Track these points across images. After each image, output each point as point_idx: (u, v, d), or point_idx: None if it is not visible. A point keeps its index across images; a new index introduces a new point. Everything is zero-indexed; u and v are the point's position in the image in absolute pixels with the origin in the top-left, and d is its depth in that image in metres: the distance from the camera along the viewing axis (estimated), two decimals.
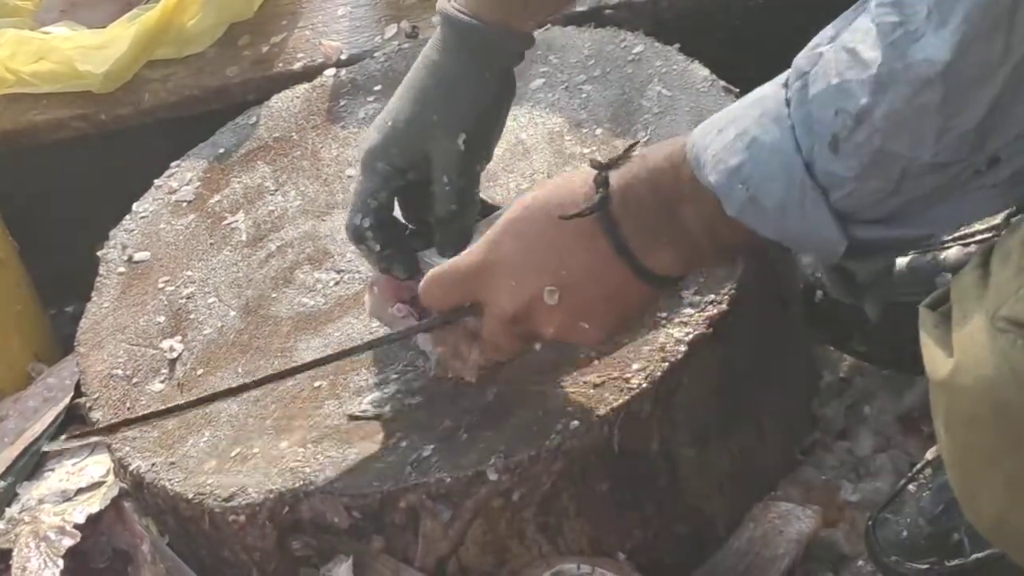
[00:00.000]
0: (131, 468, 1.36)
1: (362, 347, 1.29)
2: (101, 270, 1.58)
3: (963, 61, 0.86)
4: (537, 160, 1.50)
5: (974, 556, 1.29)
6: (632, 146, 1.07)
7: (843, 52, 0.91)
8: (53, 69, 1.89)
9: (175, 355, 1.45)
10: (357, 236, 1.31)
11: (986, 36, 0.85)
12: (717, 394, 1.35)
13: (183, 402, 1.34)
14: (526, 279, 1.11)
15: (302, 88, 1.73)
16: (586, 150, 1.49)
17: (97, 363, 1.47)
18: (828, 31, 0.94)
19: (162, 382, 1.43)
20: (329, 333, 1.41)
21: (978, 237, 1.44)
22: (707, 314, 1.31)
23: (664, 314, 1.31)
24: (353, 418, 1.32)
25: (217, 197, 1.63)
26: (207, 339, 1.46)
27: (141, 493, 1.37)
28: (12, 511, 1.57)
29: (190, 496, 1.31)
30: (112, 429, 1.37)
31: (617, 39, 1.61)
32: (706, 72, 1.52)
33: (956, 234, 1.47)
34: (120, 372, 1.45)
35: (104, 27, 1.92)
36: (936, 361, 0.98)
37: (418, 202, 1.31)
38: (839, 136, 0.91)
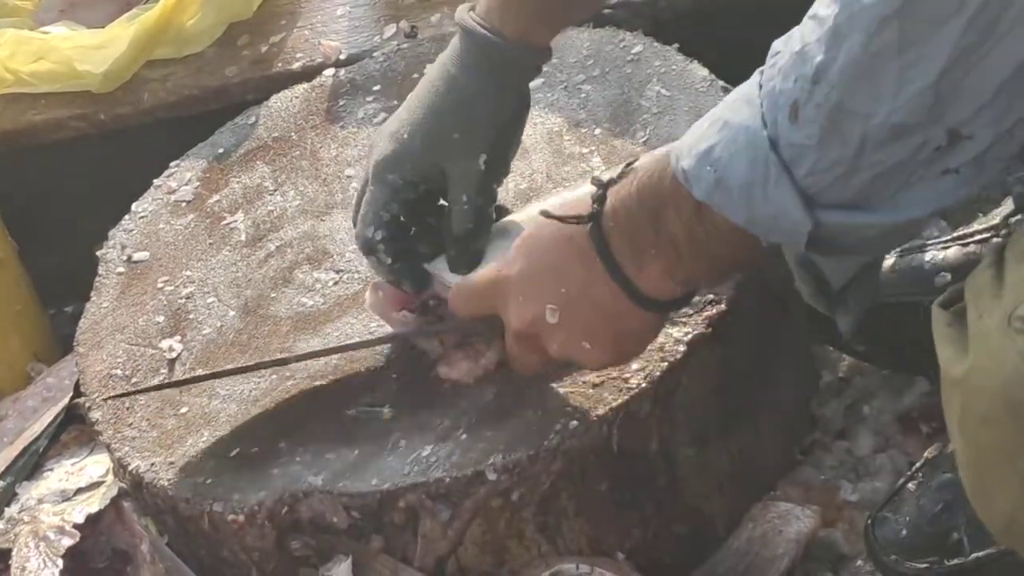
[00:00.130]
0: (130, 468, 1.35)
1: (372, 341, 1.31)
2: (100, 270, 1.58)
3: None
4: (536, 160, 1.50)
5: (973, 555, 1.28)
6: (631, 163, 1.07)
7: (808, 20, 0.91)
8: (52, 69, 1.88)
9: (174, 355, 1.45)
10: (368, 248, 1.31)
11: None
12: (716, 394, 1.35)
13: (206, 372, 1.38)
14: (530, 296, 1.12)
15: (301, 88, 1.73)
16: (585, 150, 1.49)
17: (96, 363, 1.47)
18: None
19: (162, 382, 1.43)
20: (328, 333, 1.40)
21: (977, 237, 1.44)
22: (706, 314, 1.31)
23: None
24: (353, 418, 1.32)
25: (216, 197, 1.63)
26: (206, 339, 1.45)
27: (140, 493, 1.37)
28: (11, 511, 1.57)
29: (189, 496, 1.31)
30: (151, 390, 1.39)
31: (616, 39, 1.60)
32: (705, 72, 1.52)
33: (955, 234, 1.47)
34: (119, 372, 1.45)
35: (103, 27, 1.92)
36: (950, 360, 0.98)
37: (425, 211, 1.31)
38: (799, 101, 0.91)
